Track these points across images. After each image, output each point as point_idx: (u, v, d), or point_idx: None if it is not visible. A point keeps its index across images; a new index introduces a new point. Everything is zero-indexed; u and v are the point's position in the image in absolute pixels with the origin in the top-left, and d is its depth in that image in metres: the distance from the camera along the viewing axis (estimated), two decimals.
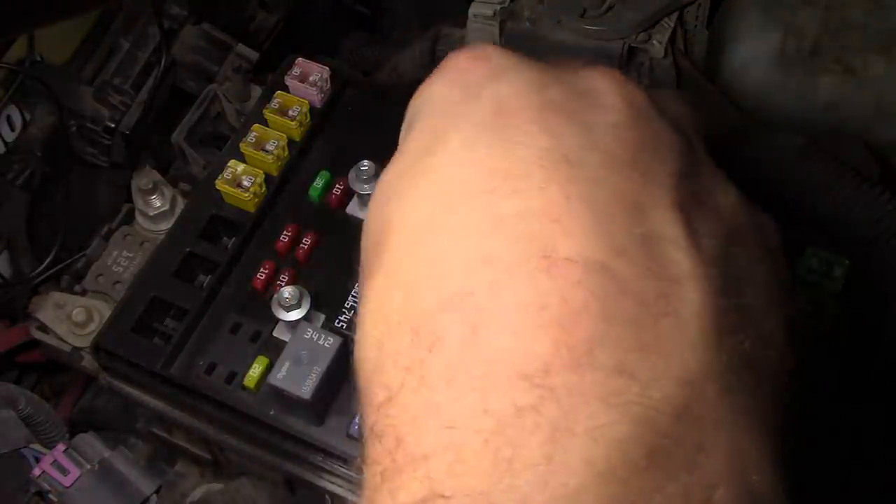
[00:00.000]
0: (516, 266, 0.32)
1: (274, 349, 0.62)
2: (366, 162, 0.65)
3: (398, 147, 0.39)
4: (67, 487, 0.68)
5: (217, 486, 0.72)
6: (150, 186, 0.77)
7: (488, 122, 0.36)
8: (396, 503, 0.30)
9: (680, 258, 0.33)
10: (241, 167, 0.68)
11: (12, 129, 0.82)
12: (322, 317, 0.63)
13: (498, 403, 0.30)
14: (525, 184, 0.33)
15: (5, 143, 0.82)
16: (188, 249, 0.67)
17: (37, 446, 0.71)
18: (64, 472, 0.68)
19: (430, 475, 0.30)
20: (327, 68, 0.72)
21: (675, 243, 0.33)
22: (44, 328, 0.76)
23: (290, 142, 0.70)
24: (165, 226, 0.77)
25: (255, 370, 0.61)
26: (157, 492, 0.72)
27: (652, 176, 0.35)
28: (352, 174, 0.67)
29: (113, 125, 0.85)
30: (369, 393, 0.33)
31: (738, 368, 0.32)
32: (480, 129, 0.35)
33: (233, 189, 0.67)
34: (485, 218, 0.33)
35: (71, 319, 0.75)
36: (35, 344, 0.78)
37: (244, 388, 0.61)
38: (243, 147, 0.69)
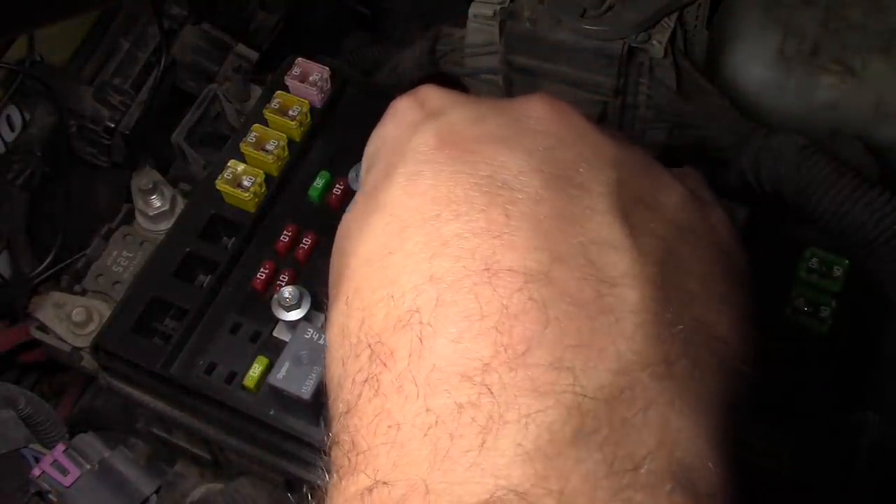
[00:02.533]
0: (459, 281, 0.35)
1: (274, 349, 0.62)
2: None
3: (360, 186, 0.44)
4: (67, 487, 0.68)
5: (217, 486, 0.72)
6: (150, 186, 0.77)
7: (430, 156, 0.39)
8: (347, 495, 0.33)
9: (618, 259, 0.36)
10: (241, 167, 0.68)
11: (12, 129, 0.82)
12: (322, 317, 0.63)
13: (439, 402, 0.33)
14: (466, 208, 0.37)
15: (5, 143, 0.82)
16: (188, 249, 0.67)
17: (37, 446, 0.71)
18: (64, 472, 0.68)
19: (377, 468, 0.33)
20: (327, 68, 0.72)
21: (613, 246, 0.36)
22: (44, 328, 0.76)
23: (290, 142, 0.70)
24: (165, 226, 0.77)
25: (255, 370, 0.61)
26: (157, 492, 0.72)
27: (590, 187, 0.38)
28: (352, 174, 0.67)
29: (113, 125, 0.85)
30: (335, 407, 0.37)
31: (676, 355, 0.35)
32: (423, 162, 0.39)
33: (233, 189, 0.67)
34: (430, 241, 0.37)
35: (71, 319, 0.75)
36: (35, 344, 0.78)
37: (244, 388, 0.61)
38: (243, 147, 0.69)
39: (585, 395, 0.33)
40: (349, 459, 0.34)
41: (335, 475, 0.34)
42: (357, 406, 0.35)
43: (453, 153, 0.39)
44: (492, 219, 0.36)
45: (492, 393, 0.33)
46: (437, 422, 0.33)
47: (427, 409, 0.33)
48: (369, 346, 0.36)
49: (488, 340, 0.34)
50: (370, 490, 0.32)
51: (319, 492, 0.35)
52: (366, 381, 0.35)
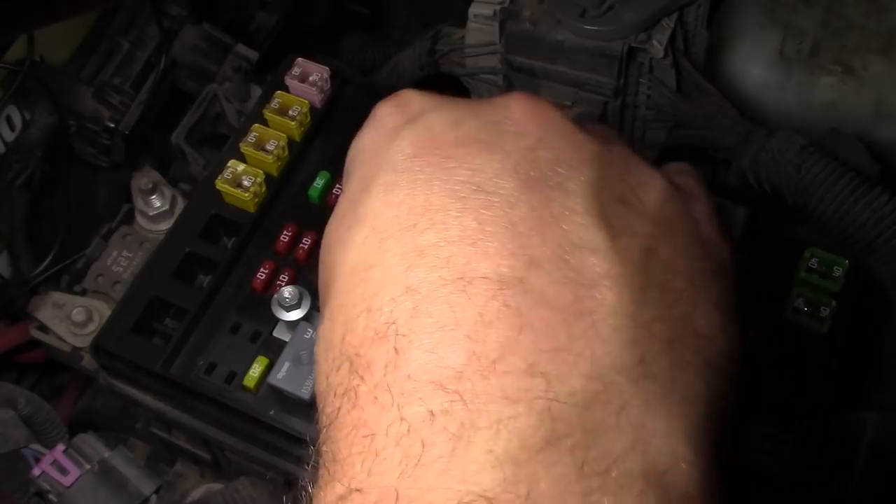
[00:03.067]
0: (435, 291, 0.35)
1: (274, 349, 0.62)
2: None
3: (341, 195, 0.44)
4: (67, 487, 0.68)
5: (217, 486, 0.72)
6: (150, 186, 0.77)
7: (406, 164, 0.39)
8: (324, 503, 0.34)
9: (596, 261, 0.36)
10: (241, 167, 0.68)
11: (12, 129, 0.82)
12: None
13: (412, 410, 0.33)
14: (442, 216, 0.37)
15: (5, 143, 0.82)
16: (188, 249, 0.67)
17: (37, 446, 0.71)
18: (64, 472, 0.68)
19: (352, 477, 0.33)
20: (327, 68, 0.72)
21: (591, 248, 0.36)
22: (44, 328, 0.76)
23: (290, 142, 0.70)
24: (165, 226, 0.77)
25: (255, 370, 0.61)
26: (156, 492, 0.72)
27: (568, 188, 0.38)
28: None
29: (113, 125, 0.85)
30: (320, 421, 0.37)
31: (654, 356, 0.35)
32: (400, 171, 0.39)
33: (233, 189, 0.67)
34: (408, 252, 0.37)
35: (71, 319, 0.75)
36: (35, 344, 0.78)
37: (244, 388, 0.61)
38: (243, 147, 0.69)
39: (557, 401, 0.33)
40: (328, 470, 0.34)
41: (316, 485, 0.35)
42: (337, 419, 0.35)
43: (430, 160, 0.39)
44: (465, 225, 0.36)
45: (464, 400, 0.33)
46: (409, 430, 0.33)
47: (401, 419, 0.33)
48: (349, 359, 0.36)
49: (462, 349, 0.34)
50: (343, 498, 0.33)
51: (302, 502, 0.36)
52: (345, 393, 0.35)
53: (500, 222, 0.36)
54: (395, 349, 0.35)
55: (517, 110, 0.41)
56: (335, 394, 0.36)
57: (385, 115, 0.44)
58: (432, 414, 0.33)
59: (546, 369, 0.33)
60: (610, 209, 0.38)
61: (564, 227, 0.37)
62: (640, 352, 0.35)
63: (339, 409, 0.35)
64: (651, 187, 0.40)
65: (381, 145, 0.42)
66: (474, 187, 0.37)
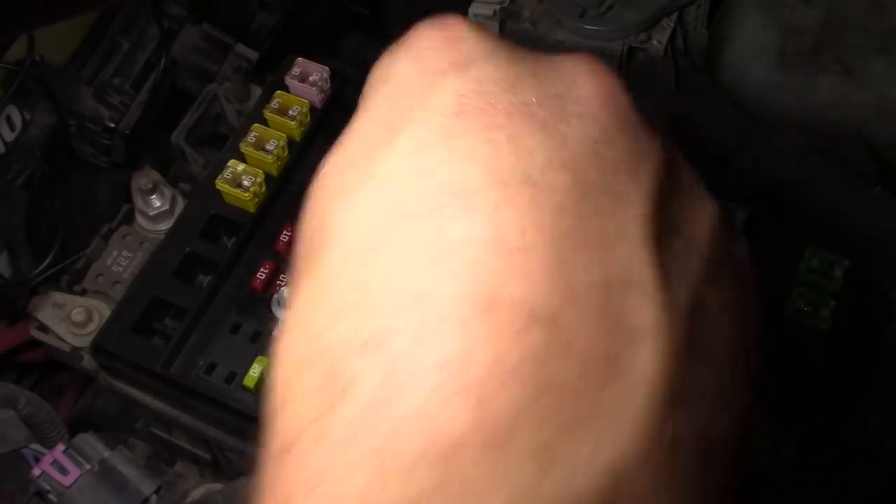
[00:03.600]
0: (450, 306, 0.28)
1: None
2: None
3: (351, 123, 0.34)
4: (67, 487, 0.68)
5: (217, 486, 0.72)
6: (150, 186, 0.77)
7: (446, 123, 0.31)
8: None
9: (642, 307, 0.29)
10: (241, 167, 0.68)
11: (12, 129, 0.82)
12: None
13: (393, 481, 0.26)
14: (479, 202, 0.29)
15: (5, 143, 0.82)
16: (188, 249, 0.67)
17: (37, 446, 0.71)
18: (64, 472, 0.68)
19: None
20: (327, 68, 0.72)
21: (640, 288, 0.29)
22: (44, 328, 0.76)
23: (290, 142, 0.70)
24: (165, 226, 0.77)
25: (255, 370, 0.61)
26: (156, 492, 0.72)
27: (626, 201, 0.30)
28: None
29: (113, 125, 0.85)
30: (272, 428, 0.30)
31: (682, 442, 0.29)
32: (437, 130, 0.31)
33: (233, 189, 0.67)
34: (428, 243, 0.29)
35: (71, 319, 0.75)
36: (35, 344, 0.78)
37: (244, 388, 0.61)
38: (243, 147, 0.69)
39: (572, 498, 0.26)
40: None
41: None
42: (298, 446, 0.28)
43: (475, 124, 0.31)
44: (504, 225, 0.29)
45: (460, 483, 0.26)
46: None
47: (383, 485, 0.26)
48: (329, 362, 0.29)
49: (467, 405, 0.27)
50: None
51: None
52: (315, 409, 0.28)
53: (544, 230, 0.29)
54: (387, 376, 0.27)
55: (585, 87, 0.32)
56: (303, 403, 0.29)
57: (429, 46, 0.34)
58: (420, 492, 0.26)
59: (561, 451, 0.27)
60: (664, 238, 0.30)
61: (615, 252, 0.29)
62: (670, 435, 0.28)
63: (304, 433, 0.28)
64: (704, 214, 0.32)
65: (419, 85, 0.33)
66: (522, 176, 0.29)
